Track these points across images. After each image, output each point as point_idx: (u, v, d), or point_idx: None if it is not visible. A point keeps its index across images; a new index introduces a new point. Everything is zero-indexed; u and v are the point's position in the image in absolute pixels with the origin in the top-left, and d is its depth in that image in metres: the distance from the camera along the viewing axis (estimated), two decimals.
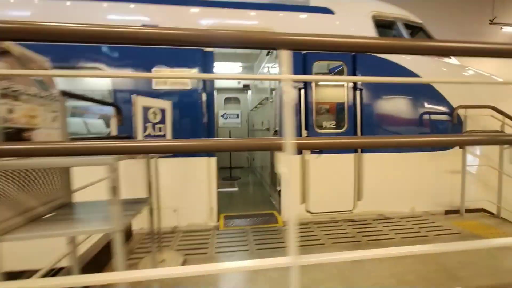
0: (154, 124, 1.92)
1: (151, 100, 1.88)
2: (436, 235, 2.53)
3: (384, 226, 2.77)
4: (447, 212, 3.10)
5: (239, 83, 6.05)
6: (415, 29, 3.62)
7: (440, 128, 3.14)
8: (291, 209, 0.82)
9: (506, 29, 7.16)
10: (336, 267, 1.95)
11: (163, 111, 2.00)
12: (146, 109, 1.86)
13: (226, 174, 5.60)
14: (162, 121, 2.00)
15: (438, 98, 3.13)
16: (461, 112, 3.16)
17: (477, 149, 3.22)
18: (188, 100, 2.74)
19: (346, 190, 3.03)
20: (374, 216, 3.07)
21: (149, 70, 2.68)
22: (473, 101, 3.10)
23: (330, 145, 0.97)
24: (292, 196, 0.79)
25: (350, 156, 3.00)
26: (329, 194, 3.01)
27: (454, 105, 3.15)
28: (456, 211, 3.09)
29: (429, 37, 3.60)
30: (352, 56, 2.99)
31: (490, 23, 6.94)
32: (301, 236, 2.58)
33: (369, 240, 2.45)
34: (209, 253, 2.26)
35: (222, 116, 5.16)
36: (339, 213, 3.03)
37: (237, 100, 6.66)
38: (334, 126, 3.01)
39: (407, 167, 3.13)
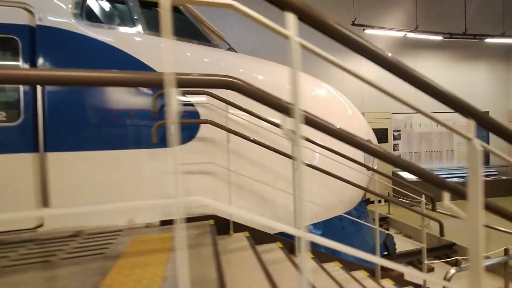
0: None
1: None
2: (82, 256, 1.89)
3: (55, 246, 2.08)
4: (164, 223, 2.52)
5: None
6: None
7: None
8: None
9: (368, 30, 7.27)
10: None
11: None
12: None
13: None
14: None
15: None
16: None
17: (204, 145, 2.72)
18: None
19: (23, 201, 2.33)
20: (72, 232, 2.39)
21: None
22: None
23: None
24: None
25: (26, 157, 2.32)
26: None
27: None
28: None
29: (186, 18, 3.13)
30: (29, 30, 2.37)
31: (352, 24, 7.00)
32: None
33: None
34: None
35: None
36: (16, 233, 2.30)
37: None
38: (5, 118, 2.33)
39: (120, 168, 2.52)
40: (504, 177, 8.75)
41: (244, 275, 1.80)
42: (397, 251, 4.88)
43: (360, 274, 2.90)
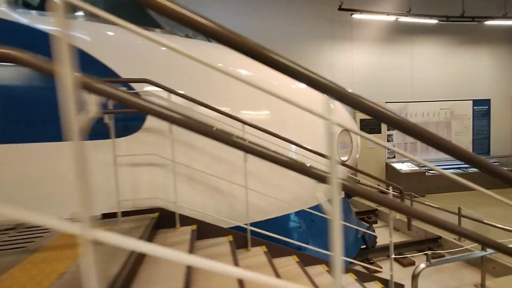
0: None
1: None
2: (2, 250, 1.83)
3: None
4: (106, 216, 2.45)
5: None
6: None
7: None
8: None
9: (357, 15, 6.94)
10: None
11: None
12: None
13: None
14: None
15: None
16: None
17: (151, 136, 2.63)
18: None
19: None
20: (11, 225, 2.36)
21: None
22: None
23: None
24: None
25: None
26: None
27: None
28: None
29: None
30: None
31: (339, 9, 6.69)
32: None
33: None
34: None
35: None
36: None
37: None
38: None
39: (60, 160, 2.46)
40: (505, 168, 8.37)
41: (163, 271, 1.72)
42: (379, 244, 4.73)
43: (319, 269, 2.79)
